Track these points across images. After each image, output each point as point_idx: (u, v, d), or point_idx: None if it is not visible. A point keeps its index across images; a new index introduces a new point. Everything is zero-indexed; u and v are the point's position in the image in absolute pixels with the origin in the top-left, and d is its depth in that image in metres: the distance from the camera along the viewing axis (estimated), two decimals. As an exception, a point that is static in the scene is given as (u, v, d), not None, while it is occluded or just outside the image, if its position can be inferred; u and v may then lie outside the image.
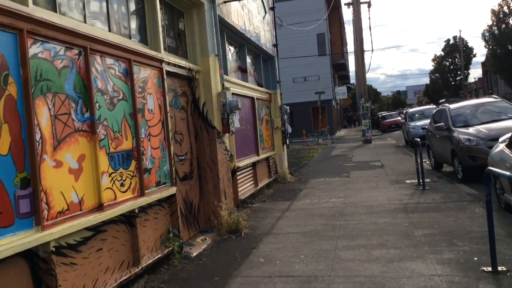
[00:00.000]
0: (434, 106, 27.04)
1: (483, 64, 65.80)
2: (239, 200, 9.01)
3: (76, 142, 4.03)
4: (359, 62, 29.10)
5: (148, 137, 5.35)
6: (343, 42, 53.39)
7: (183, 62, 6.61)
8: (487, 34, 43.62)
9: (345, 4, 33.04)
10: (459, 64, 73.31)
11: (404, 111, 30.51)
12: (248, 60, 11.40)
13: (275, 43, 13.31)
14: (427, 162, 15.80)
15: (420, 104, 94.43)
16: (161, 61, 5.81)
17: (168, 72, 6.11)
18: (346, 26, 78.81)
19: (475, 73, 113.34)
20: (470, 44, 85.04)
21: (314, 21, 36.12)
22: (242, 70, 10.61)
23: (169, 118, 5.87)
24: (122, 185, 4.69)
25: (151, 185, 5.32)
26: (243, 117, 10.12)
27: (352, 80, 65.72)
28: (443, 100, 60.14)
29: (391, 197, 9.30)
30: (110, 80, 4.66)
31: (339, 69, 52.05)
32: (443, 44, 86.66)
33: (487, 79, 66.78)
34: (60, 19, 3.96)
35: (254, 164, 10.60)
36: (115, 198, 4.55)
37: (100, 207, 4.25)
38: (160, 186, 5.55)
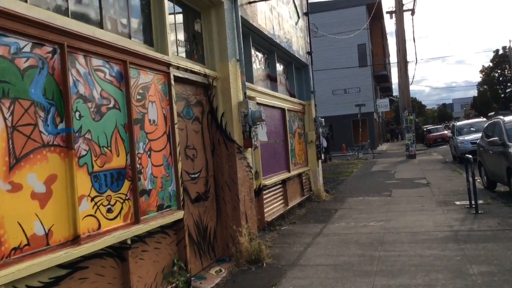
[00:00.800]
0: (484, 119, 25.24)
1: (535, 75, 62.26)
2: (265, 222, 8.10)
3: (43, 159, 3.26)
4: (402, 72, 27.70)
5: (149, 153, 4.56)
6: (385, 53, 51.74)
7: (197, 67, 5.82)
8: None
9: (387, 12, 31.83)
10: (509, 75, 69.86)
11: (452, 125, 28.72)
12: (279, 68, 10.55)
13: (309, 50, 12.40)
14: (478, 180, 14.40)
15: (467, 117, 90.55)
16: (168, 64, 5.03)
17: (177, 78, 5.33)
18: (388, 37, 76.82)
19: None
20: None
21: (355, 30, 35.00)
22: (271, 78, 9.76)
23: (176, 130, 5.07)
24: (109, 211, 3.90)
25: (151, 209, 4.51)
26: (272, 130, 9.24)
27: (395, 92, 63.73)
28: (492, 113, 57.12)
29: (439, 222, 8.13)
30: (97, 85, 3.90)
31: (381, 81, 50.39)
32: (491, 55, 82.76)
33: (540, 91, 63.08)
34: (28, 10, 3.23)
35: (284, 182, 9.67)
36: (99, 227, 3.75)
37: (75, 240, 3.46)
38: (163, 210, 4.73)
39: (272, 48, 9.68)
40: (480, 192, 11.70)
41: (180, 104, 5.48)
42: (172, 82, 5.08)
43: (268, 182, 8.42)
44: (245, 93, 6.75)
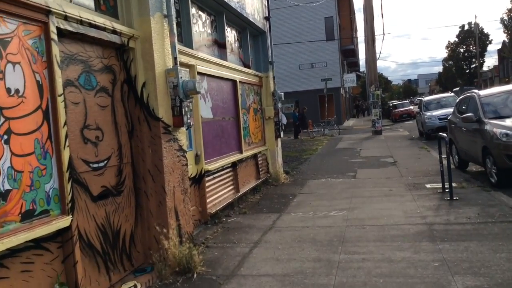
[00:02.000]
0: (453, 94, 24.57)
1: (499, 51, 62.72)
2: (208, 215, 6.81)
3: None
4: (369, 45, 26.60)
5: (5, 137, 3.15)
6: (352, 27, 50.63)
7: (101, 20, 4.35)
8: (507, 18, 40.79)
9: (354, -18, 30.56)
10: (474, 51, 70.23)
11: (419, 100, 27.97)
12: (229, 33, 9.12)
13: (267, 15, 10.98)
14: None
15: (432, 93, 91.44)
16: (46, 11, 3.57)
17: (67, 33, 3.89)
18: (356, 14, 75.22)
19: (490, 60, 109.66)
20: (486, 30, 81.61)
21: (322, 2, 33.60)
22: (219, 45, 8.34)
23: (61, 104, 3.65)
24: None
25: (8, 219, 3.12)
26: (219, 105, 7.89)
27: (362, 68, 63.00)
28: (457, 88, 57.39)
29: (409, 211, 7.04)
30: None
31: (348, 55, 49.40)
32: (456, 31, 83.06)
33: (503, 67, 63.75)
34: None
35: (234, 165, 8.38)
36: None
37: None
38: (34, 219, 3.35)
39: (220, 9, 8.23)
40: (452, 173, 10.77)
41: (73, 69, 4.04)
42: (54, 36, 3.63)
43: (212, 166, 7.10)
44: (175, 58, 5.34)
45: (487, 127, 9.09)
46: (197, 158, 6.64)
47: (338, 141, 22.84)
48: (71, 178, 3.70)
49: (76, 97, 4.03)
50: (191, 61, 6.59)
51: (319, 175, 11.88)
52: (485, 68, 73.91)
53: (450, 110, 20.67)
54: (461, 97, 12.27)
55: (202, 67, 7.02)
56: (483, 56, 71.48)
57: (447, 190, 8.09)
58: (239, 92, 8.97)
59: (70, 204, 3.63)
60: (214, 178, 7.31)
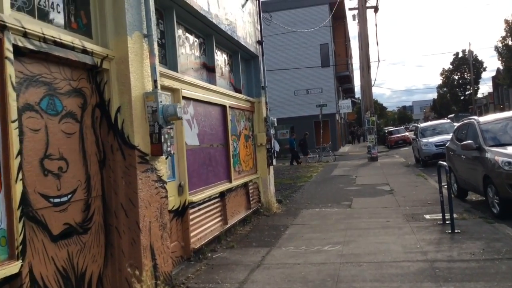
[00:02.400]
0: (449, 120, 24.32)
1: (494, 78, 63.07)
2: (192, 250, 6.29)
3: None
4: (364, 71, 26.48)
5: None
6: (347, 54, 50.89)
7: (69, 38, 3.95)
8: (501, 45, 41.00)
9: (350, 9, 30.70)
10: (468, 78, 70.63)
11: (414, 126, 27.65)
12: (219, 57, 8.76)
13: (260, 39, 10.67)
14: (445, 186, 13.16)
15: (427, 119, 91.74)
16: (1, 26, 3.16)
17: (27, 51, 3.47)
18: (351, 41, 75.88)
19: (485, 87, 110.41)
20: (480, 58, 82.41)
21: (318, 29, 33.67)
22: (207, 68, 7.97)
23: (14, 132, 3.20)
24: None
25: None
26: (207, 132, 7.46)
27: (358, 95, 63.09)
28: (452, 115, 57.42)
29: (408, 245, 6.55)
30: None
31: (344, 82, 49.45)
32: (450, 59, 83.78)
33: (497, 94, 63.96)
34: None
35: (222, 195, 7.90)
36: None
37: None
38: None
39: (209, 31, 7.88)
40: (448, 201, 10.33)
41: (34, 91, 3.61)
42: (9, 55, 3.21)
43: (197, 197, 6.62)
44: (155, 81, 4.93)
45: (488, 155, 8.69)
46: (180, 189, 6.16)
47: (333, 168, 22.40)
48: (23, 217, 3.22)
49: (36, 123, 3.59)
50: (176, 85, 6.18)
51: (313, 204, 11.39)
52: (479, 95, 74.25)
53: (447, 136, 20.48)
54: (459, 123, 11.92)
55: (188, 91, 6.61)
56: (478, 83, 71.84)
57: (447, 222, 7.63)
58: (229, 117, 8.57)
59: (21, 247, 3.14)
60: (200, 209, 6.82)
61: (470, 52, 67.66)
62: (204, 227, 6.86)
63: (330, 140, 35.99)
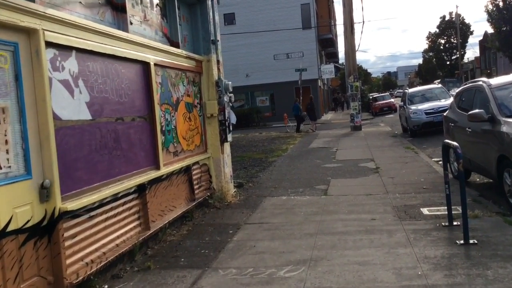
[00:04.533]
0: (440, 85, 22.11)
1: (481, 42, 60.92)
2: (68, 286, 3.99)
3: None
4: (347, 31, 23.96)
5: None
6: (331, 15, 48.02)
7: None
8: (491, 7, 38.54)
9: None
10: (454, 42, 68.33)
11: (401, 92, 25.29)
12: (140, -7, 6.24)
13: (207, -24, 8.12)
14: (440, 162, 11.04)
15: (411, 85, 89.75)
16: None
17: None
18: (336, 5, 72.14)
19: (470, 53, 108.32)
20: (467, 21, 79.97)
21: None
22: (114, 7, 5.47)
23: None
24: None
25: None
26: (109, 99, 5.04)
27: (342, 60, 60.38)
28: (438, 80, 55.37)
29: (405, 268, 4.34)
30: None
31: (327, 45, 46.76)
32: (437, 22, 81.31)
33: (485, 58, 61.99)
34: None
35: (142, 189, 5.57)
36: None
37: None
38: None
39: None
40: (450, 188, 8.18)
41: None
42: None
43: (80, 202, 4.27)
44: None
45: (505, 128, 6.50)
46: (43, 192, 3.81)
47: (313, 138, 20.19)
48: None
49: None
50: (29, 22, 3.74)
51: (281, 188, 9.15)
52: (465, 60, 72.21)
53: (438, 103, 18.34)
54: (461, 88, 9.65)
55: (63, 35, 4.17)
56: (464, 48, 69.71)
57: (455, 224, 5.49)
58: (155, 79, 6.14)
59: None
60: (90, 219, 4.48)
61: (457, 15, 65.14)
62: (97, 245, 4.53)
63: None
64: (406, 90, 21.55)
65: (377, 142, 16.73)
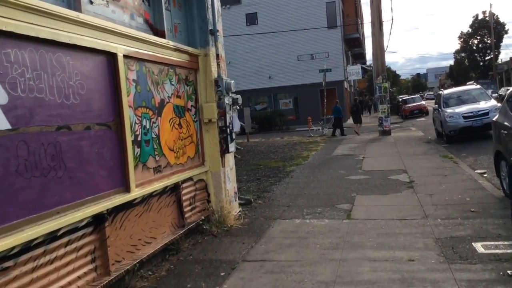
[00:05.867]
0: (479, 86, 20.11)
1: (518, 41, 57.87)
2: None
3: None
4: (375, 29, 22.24)
5: None
6: (357, 14, 46.11)
7: None
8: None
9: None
10: (488, 42, 65.28)
11: (436, 94, 23.24)
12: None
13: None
14: (486, 175, 9.38)
15: (442, 87, 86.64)
16: None
17: None
18: (363, 6, 70.10)
19: (506, 53, 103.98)
20: (501, 20, 76.54)
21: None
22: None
23: None
24: None
25: None
26: (45, 101, 3.67)
27: (369, 62, 58.24)
28: (471, 82, 52.58)
29: None
30: None
31: (353, 45, 44.87)
32: (469, 22, 78.11)
33: (522, 59, 58.87)
34: None
35: (99, 220, 4.17)
36: None
37: None
38: None
39: None
40: (499, 206, 6.55)
41: None
42: None
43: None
44: None
45: None
46: None
47: (337, 144, 18.56)
48: None
49: None
50: None
51: (296, 208, 7.66)
52: (499, 61, 68.99)
53: (477, 106, 16.37)
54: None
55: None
56: (499, 48, 66.56)
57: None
58: (126, 75, 4.75)
59: None
60: (3, 273, 3.10)
61: (491, 13, 62.14)
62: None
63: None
64: (440, 92, 19.67)
65: (409, 149, 15.00)
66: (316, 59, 35.33)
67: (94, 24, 4.26)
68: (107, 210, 4.25)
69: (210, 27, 6.73)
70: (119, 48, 4.65)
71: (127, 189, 4.65)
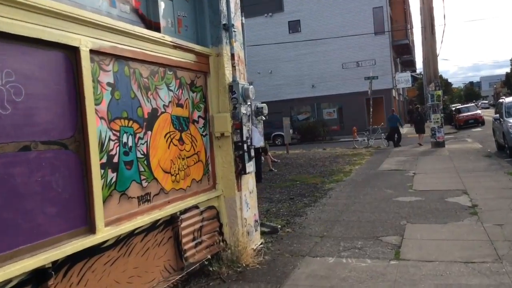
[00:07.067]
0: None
1: None
2: None
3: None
4: (427, 32, 20.41)
5: None
6: (407, 20, 43.84)
7: None
8: None
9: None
10: (550, 46, 60.97)
11: (497, 102, 20.96)
12: None
13: None
14: None
15: (497, 96, 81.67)
16: None
17: None
18: (413, 14, 67.23)
19: None
20: None
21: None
22: None
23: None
24: None
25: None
26: None
27: (419, 70, 55.41)
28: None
29: None
30: None
31: (402, 52, 42.58)
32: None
33: None
34: None
35: (41, 277, 2.99)
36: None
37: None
38: None
39: None
40: None
41: None
42: None
43: None
44: None
45: None
46: None
47: (384, 157, 16.88)
48: None
49: None
50: None
51: (330, 240, 6.25)
52: None
53: (546, 115, 14.54)
54: None
55: None
56: (562, 52, 61.98)
57: None
58: (93, 77, 3.59)
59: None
60: None
61: (555, 15, 57.89)
62: None
63: (384, 120, 30.01)
64: (502, 100, 17.56)
65: (467, 164, 13.18)
66: (362, 67, 33.69)
67: (41, 6, 3.12)
68: (55, 261, 3.06)
69: (224, 21, 5.51)
70: (84, 40, 3.49)
71: (92, 229, 3.46)
